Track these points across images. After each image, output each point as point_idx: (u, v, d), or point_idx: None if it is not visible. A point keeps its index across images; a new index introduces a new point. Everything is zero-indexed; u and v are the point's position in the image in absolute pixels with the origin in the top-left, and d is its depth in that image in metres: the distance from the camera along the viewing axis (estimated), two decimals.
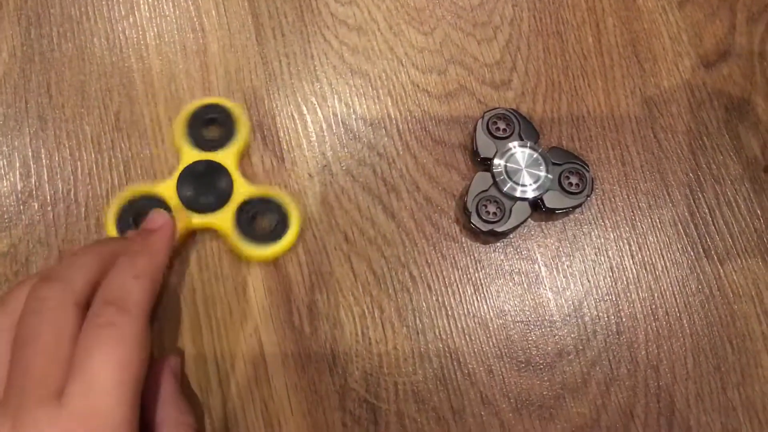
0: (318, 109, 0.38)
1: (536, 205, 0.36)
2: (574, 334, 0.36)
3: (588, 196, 0.36)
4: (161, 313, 0.34)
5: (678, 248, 0.37)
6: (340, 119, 0.38)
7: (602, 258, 0.37)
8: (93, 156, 0.37)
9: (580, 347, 0.35)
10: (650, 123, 0.39)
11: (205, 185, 0.35)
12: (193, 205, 0.35)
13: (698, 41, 0.41)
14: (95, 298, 0.27)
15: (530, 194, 0.36)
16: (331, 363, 0.34)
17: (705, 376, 0.35)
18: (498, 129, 0.37)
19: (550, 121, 0.39)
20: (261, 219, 0.36)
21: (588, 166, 0.37)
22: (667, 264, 0.37)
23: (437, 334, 0.35)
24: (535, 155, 0.36)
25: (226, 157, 0.36)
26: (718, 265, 0.37)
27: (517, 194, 0.36)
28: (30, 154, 0.36)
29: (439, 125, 0.39)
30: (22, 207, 0.36)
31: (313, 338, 0.34)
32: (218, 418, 0.33)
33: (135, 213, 0.34)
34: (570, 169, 0.37)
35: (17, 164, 0.36)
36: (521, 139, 0.37)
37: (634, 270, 0.37)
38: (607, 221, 0.38)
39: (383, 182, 0.37)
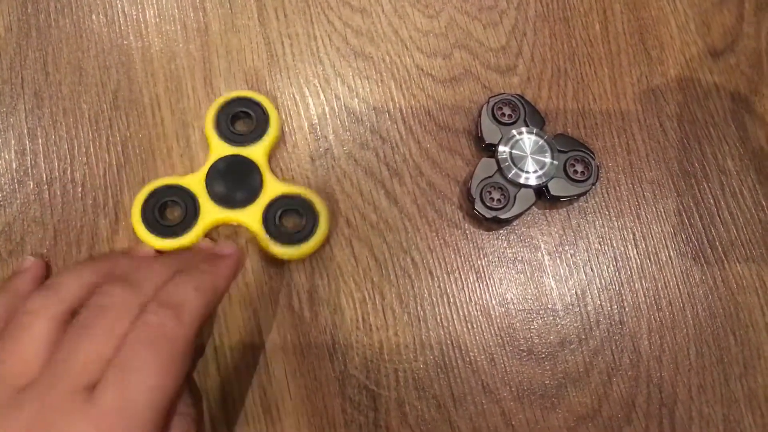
0: (320, 92, 0.38)
1: (540, 193, 0.36)
2: (576, 323, 0.35)
3: (593, 184, 0.36)
4: None
5: (682, 238, 0.37)
6: (342, 102, 0.38)
7: (606, 247, 0.37)
8: (90, 135, 0.36)
9: (583, 336, 0.35)
10: (656, 112, 0.39)
11: (234, 181, 0.34)
12: (223, 200, 0.34)
13: (706, 30, 0.41)
14: (153, 298, 0.27)
15: (535, 181, 0.35)
16: (331, 349, 0.34)
17: (707, 368, 0.35)
18: (503, 115, 0.37)
19: (556, 108, 0.39)
20: (287, 218, 0.35)
21: (594, 154, 0.36)
22: (671, 254, 0.37)
23: (439, 321, 0.35)
24: (541, 142, 0.36)
25: (256, 152, 0.35)
26: (722, 256, 0.37)
27: (522, 181, 0.35)
28: (26, 131, 0.36)
29: (444, 110, 0.38)
30: (17, 185, 0.35)
31: (313, 324, 0.34)
32: (216, 403, 0.33)
33: (160, 204, 0.34)
34: (575, 156, 0.36)
35: (12, 142, 0.35)
36: (527, 126, 0.36)
37: (637, 260, 0.37)
38: (611, 210, 0.37)
39: (386, 167, 0.37)
